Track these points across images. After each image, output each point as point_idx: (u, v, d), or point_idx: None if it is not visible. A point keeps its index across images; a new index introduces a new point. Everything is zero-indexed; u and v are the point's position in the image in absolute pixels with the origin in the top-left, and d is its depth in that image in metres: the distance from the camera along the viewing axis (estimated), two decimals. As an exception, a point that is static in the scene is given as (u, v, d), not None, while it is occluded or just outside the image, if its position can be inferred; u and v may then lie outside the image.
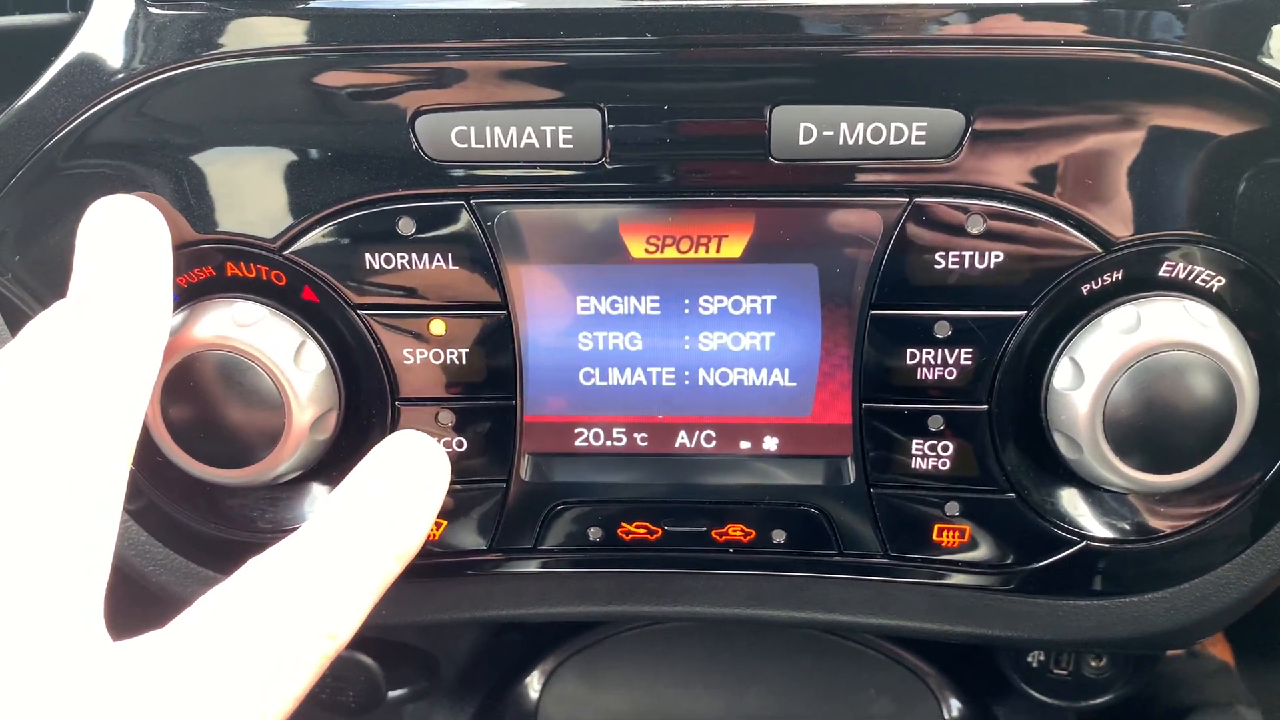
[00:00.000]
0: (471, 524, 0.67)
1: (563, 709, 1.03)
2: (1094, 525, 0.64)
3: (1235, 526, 0.64)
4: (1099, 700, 0.95)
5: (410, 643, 0.97)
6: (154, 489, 0.67)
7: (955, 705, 0.99)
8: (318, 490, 0.66)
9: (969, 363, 0.61)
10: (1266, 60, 0.55)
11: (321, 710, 0.96)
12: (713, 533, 0.67)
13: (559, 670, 1.04)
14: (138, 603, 0.62)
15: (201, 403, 0.60)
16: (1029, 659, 0.95)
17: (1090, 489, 0.63)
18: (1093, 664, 0.94)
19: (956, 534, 0.65)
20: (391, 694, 0.99)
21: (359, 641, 0.93)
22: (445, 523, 0.67)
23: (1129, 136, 0.57)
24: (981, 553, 0.66)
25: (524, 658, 1.05)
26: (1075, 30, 0.55)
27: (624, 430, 0.65)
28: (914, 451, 0.63)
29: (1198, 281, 0.59)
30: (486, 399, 0.64)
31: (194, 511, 0.67)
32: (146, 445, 0.63)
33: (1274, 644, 0.96)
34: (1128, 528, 0.64)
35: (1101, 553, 0.64)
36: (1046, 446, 0.61)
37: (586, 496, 0.67)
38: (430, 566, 0.69)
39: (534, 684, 1.04)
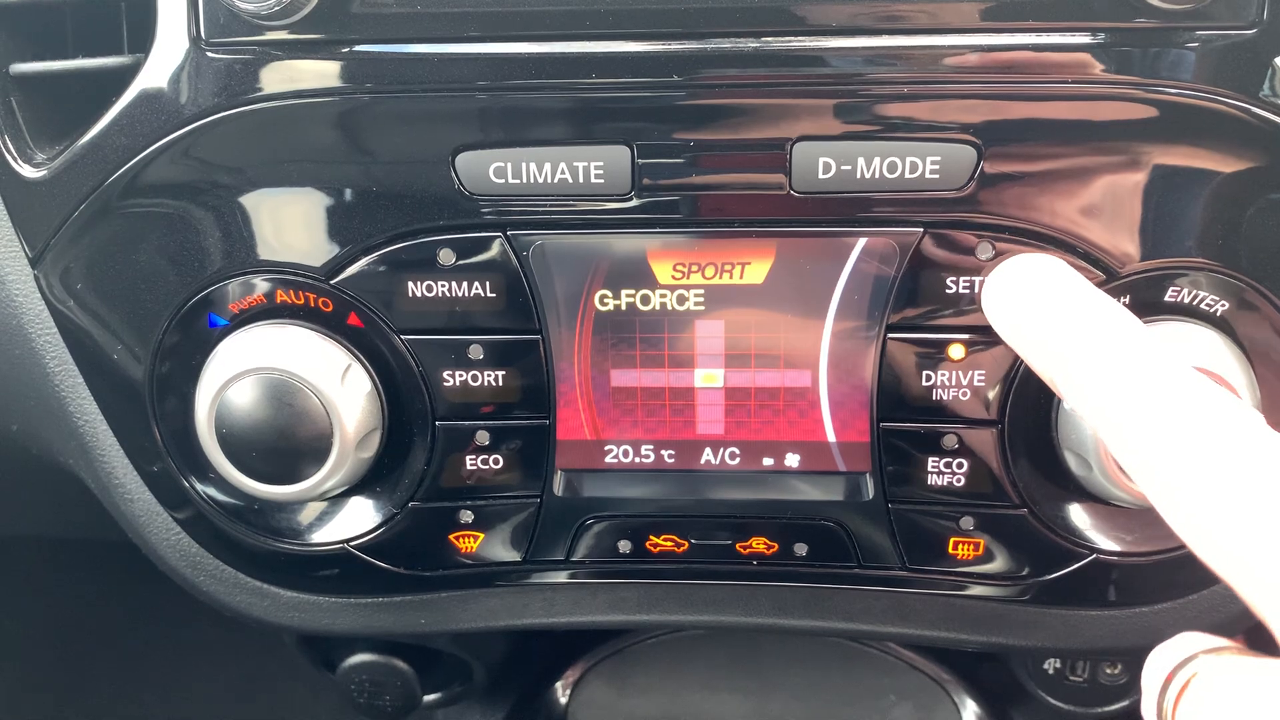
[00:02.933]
0: (506, 537, 0.70)
1: (591, 713, 1.05)
2: (1104, 539, 0.66)
3: (1241, 540, 0.66)
4: (1115, 706, 0.96)
5: (444, 649, 1.00)
6: (205, 503, 0.70)
7: (973, 710, 1.01)
8: (362, 504, 0.70)
9: (982, 383, 0.63)
10: (1266, 96, 0.57)
11: (359, 714, 1.00)
12: (737, 546, 0.70)
13: (587, 675, 1.07)
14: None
15: (253, 422, 0.63)
16: (1045, 666, 0.97)
17: (1100, 504, 0.66)
18: (1108, 670, 0.96)
19: (971, 547, 0.68)
20: (426, 698, 1.02)
21: (395, 648, 0.97)
22: (481, 535, 0.70)
23: (1134, 169, 0.59)
24: (996, 565, 0.68)
25: (553, 663, 1.08)
26: (1082, 67, 0.58)
27: (652, 447, 0.68)
28: (930, 468, 0.66)
29: (1202, 306, 0.61)
30: (522, 418, 0.67)
31: (244, 525, 0.71)
32: (199, 461, 0.67)
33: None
34: (1136, 541, 0.66)
35: (1112, 565, 0.67)
36: (1057, 463, 0.64)
37: (616, 511, 0.69)
38: (467, 577, 0.72)
39: (563, 688, 1.07)
